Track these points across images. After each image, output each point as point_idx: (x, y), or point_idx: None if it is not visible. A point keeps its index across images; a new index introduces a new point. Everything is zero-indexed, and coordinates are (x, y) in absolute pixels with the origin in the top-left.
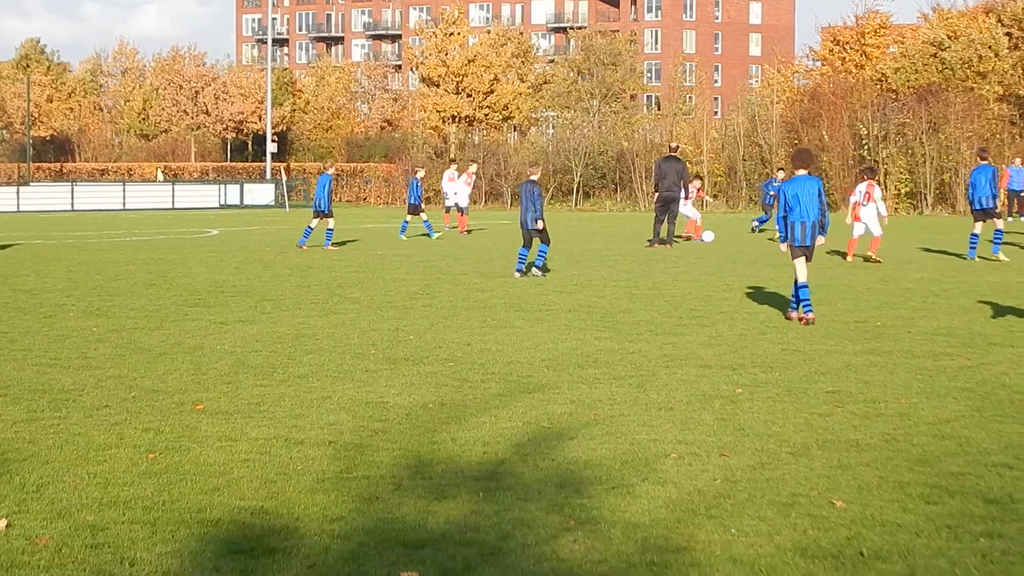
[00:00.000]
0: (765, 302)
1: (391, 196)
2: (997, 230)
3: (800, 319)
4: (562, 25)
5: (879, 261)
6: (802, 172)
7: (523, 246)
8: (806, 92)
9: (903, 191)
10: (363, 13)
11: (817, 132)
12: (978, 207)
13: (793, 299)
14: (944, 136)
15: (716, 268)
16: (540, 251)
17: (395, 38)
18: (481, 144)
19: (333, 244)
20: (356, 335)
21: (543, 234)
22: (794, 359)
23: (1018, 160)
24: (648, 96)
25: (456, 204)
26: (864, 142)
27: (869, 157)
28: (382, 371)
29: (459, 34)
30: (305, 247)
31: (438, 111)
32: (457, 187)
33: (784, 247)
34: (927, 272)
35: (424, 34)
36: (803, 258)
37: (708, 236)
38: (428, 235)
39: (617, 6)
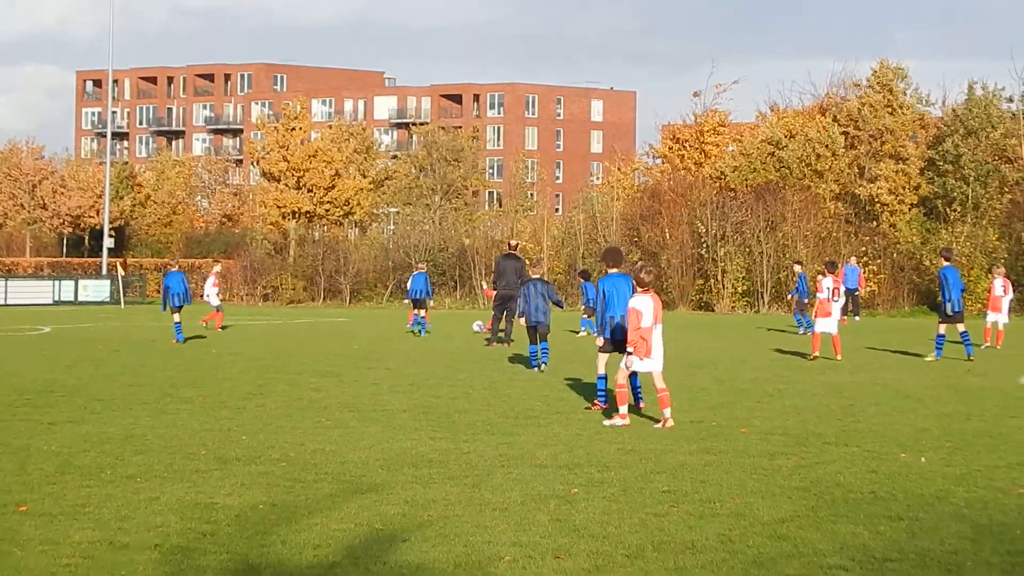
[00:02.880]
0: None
1: (228, 292)
2: (963, 332)
3: (596, 406)
4: (405, 121)
5: (840, 360)
6: (614, 271)
7: (531, 343)
8: (646, 189)
9: (739, 289)
10: (204, 107)
11: (657, 229)
12: (957, 309)
13: (599, 393)
14: (781, 234)
15: (553, 368)
16: (543, 348)
17: (236, 132)
18: (321, 240)
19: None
20: (187, 435)
21: (545, 330)
22: (630, 458)
23: (853, 259)
24: (490, 192)
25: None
26: (703, 240)
27: (707, 255)
28: (212, 471)
29: (301, 129)
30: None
31: (278, 206)
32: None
33: (601, 341)
34: (761, 372)
35: (265, 129)
36: (608, 354)
37: (476, 326)
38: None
39: (460, 103)
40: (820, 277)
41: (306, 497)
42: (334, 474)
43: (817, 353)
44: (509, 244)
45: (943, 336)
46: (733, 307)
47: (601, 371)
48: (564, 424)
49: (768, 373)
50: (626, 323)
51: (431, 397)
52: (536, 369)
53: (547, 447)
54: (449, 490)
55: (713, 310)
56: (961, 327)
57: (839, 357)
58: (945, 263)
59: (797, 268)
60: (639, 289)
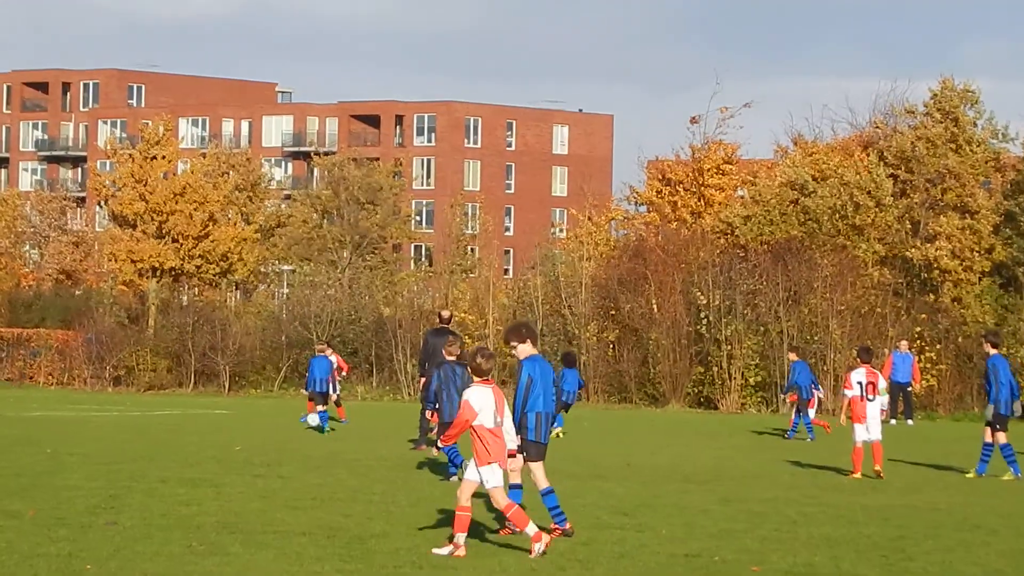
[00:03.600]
0: (567, 523)
1: (67, 374)
2: (1004, 444)
3: (557, 531)
4: (303, 149)
5: (882, 475)
6: (533, 352)
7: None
8: (627, 246)
9: (751, 381)
10: (35, 127)
11: (642, 299)
12: (1005, 412)
13: (555, 513)
14: (807, 309)
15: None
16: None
17: (78, 161)
18: (191, 306)
19: None
20: (14, 563)
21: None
22: None
23: (903, 344)
24: (417, 246)
25: None
26: (703, 314)
27: (708, 335)
28: None
29: (164, 158)
30: None
31: (133, 260)
32: None
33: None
34: (781, 490)
35: (117, 156)
36: (541, 461)
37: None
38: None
39: (377, 126)
40: (849, 371)
41: None
42: None
43: (860, 472)
44: (440, 316)
45: (1009, 446)
46: (743, 405)
47: (542, 484)
48: (517, 555)
49: (791, 492)
50: (547, 424)
51: (339, 516)
52: (456, 476)
53: None
54: None
55: (717, 407)
56: (1003, 437)
57: (877, 468)
58: (992, 351)
59: (791, 356)
60: (476, 379)
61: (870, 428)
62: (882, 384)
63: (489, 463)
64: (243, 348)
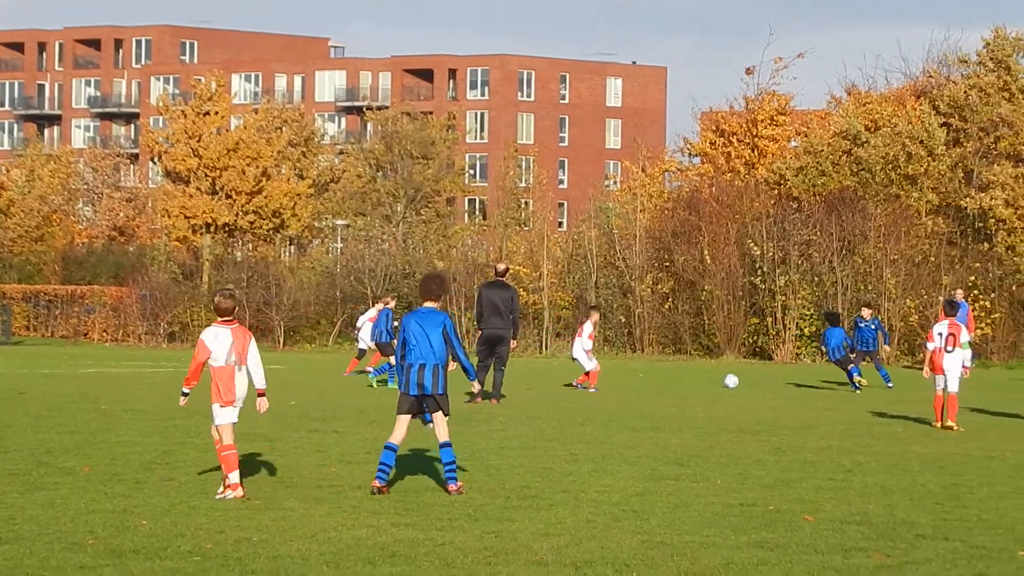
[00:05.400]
0: (622, 478)
1: (121, 331)
2: None
3: (454, 490)
4: (356, 104)
5: (958, 428)
6: (430, 304)
7: None
8: (680, 198)
9: (806, 331)
10: (87, 84)
11: (696, 251)
12: None
13: (382, 469)
14: (861, 259)
15: (557, 431)
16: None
17: (130, 118)
18: (245, 262)
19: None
20: (69, 518)
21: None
22: (657, 554)
23: (959, 293)
24: (471, 200)
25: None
26: (757, 265)
27: (763, 286)
28: (103, 568)
29: (217, 114)
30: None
31: (187, 216)
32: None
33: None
34: (835, 439)
35: (170, 113)
36: (410, 416)
37: (731, 380)
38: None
39: (431, 80)
40: (935, 322)
41: None
42: (263, 573)
43: (950, 422)
44: (496, 269)
45: None
46: (797, 355)
47: (394, 439)
48: (571, 507)
49: (844, 441)
50: (433, 376)
51: (395, 470)
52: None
53: (548, 538)
54: None
55: (771, 358)
56: None
57: (951, 423)
58: None
59: (866, 312)
60: (218, 319)
61: (949, 379)
62: (964, 337)
63: (221, 403)
64: (297, 303)
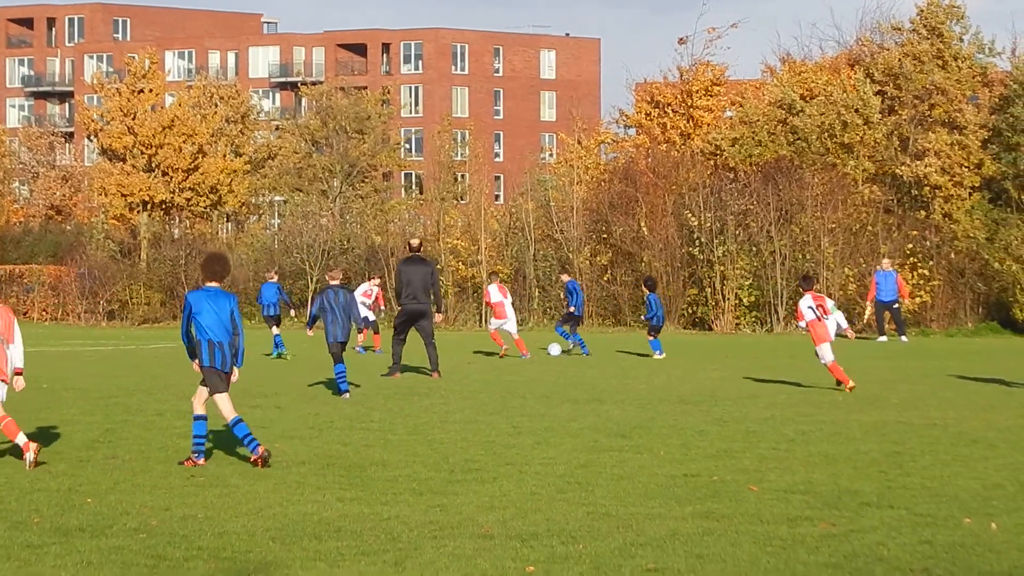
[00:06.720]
0: (566, 450)
1: (61, 309)
2: None
3: (256, 460)
4: (290, 80)
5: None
6: (214, 285)
7: (337, 363)
8: (617, 169)
9: (745, 301)
10: (20, 63)
11: (633, 222)
12: None
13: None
14: (799, 228)
15: (500, 405)
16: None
17: (64, 96)
18: (183, 239)
19: None
20: (14, 498)
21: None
22: (603, 526)
23: (885, 261)
24: (407, 174)
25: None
26: (695, 236)
27: (701, 256)
28: (49, 546)
29: (152, 91)
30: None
31: (124, 194)
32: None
33: (197, 366)
34: (778, 409)
35: (104, 91)
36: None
37: (554, 349)
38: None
39: (364, 55)
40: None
41: None
42: (210, 549)
43: (852, 383)
44: (410, 244)
45: None
46: (737, 325)
47: (229, 415)
48: (516, 480)
49: (787, 411)
50: (220, 351)
51: (338, 444)
52: (346, 395)
53: (493, 511)
54: (364, 569)
55: (711, 328)
56: None
57: (848, 385)
58: None
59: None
60: None
61: (829, 349)
62: (830, 303)
63: None
64: (236, 280)
